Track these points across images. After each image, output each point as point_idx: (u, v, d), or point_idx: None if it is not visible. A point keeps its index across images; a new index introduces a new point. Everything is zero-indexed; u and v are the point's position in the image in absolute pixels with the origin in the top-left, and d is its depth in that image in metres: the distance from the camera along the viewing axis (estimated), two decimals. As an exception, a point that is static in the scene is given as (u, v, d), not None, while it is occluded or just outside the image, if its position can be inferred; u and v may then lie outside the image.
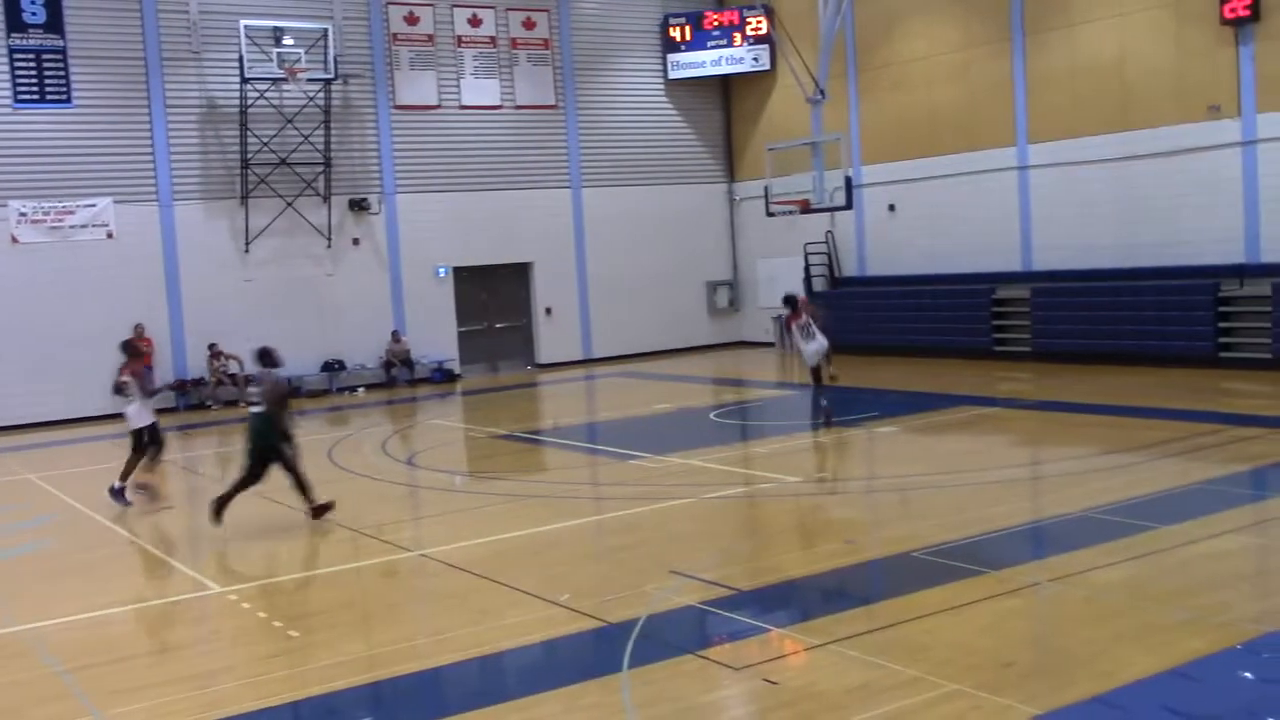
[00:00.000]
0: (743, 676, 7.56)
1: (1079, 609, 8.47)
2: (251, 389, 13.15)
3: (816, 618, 8.84)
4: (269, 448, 12.69)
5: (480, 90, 28.27)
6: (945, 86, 26.05)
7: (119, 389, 14.73)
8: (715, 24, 30.25)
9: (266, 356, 13.10)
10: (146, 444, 14.60)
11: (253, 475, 12.78)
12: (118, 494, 14.51)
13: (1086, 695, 6.81)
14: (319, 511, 12.77)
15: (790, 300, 18.02)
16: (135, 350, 15.34)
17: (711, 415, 20.01)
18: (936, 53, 26.18)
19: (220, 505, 12.71)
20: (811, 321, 17.42)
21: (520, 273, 29.23)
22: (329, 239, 26.35)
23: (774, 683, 7.37)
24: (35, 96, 23.47)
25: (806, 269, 28.79)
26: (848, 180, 23.06)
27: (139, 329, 23.91)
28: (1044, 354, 23.39)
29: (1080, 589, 8.86)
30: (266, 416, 12.70)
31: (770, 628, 8.56)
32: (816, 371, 17.66)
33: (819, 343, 17.34)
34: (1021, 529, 11.03)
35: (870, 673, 7.39)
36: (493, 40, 28.45)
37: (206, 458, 19.37)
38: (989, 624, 8.23)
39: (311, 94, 25.53)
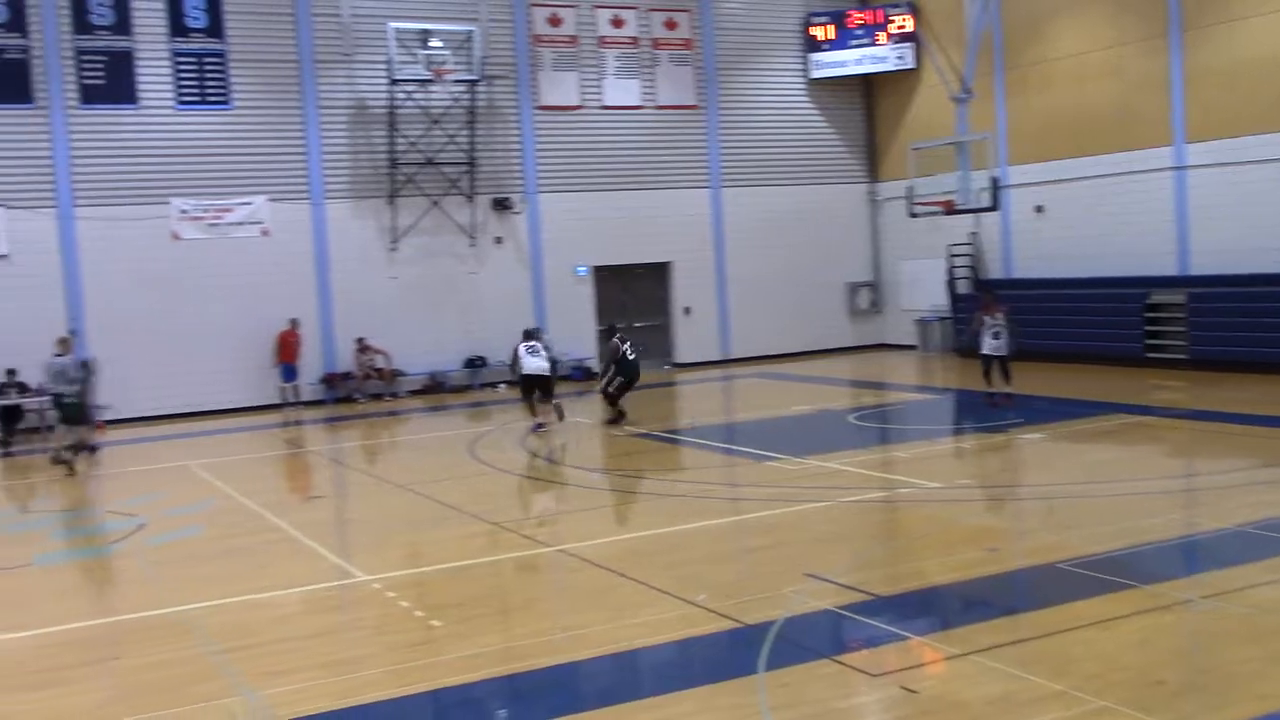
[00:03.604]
0: (880, 683, 7.46)
1: (1235, 627, 8.13)
2: None
3: (957, 626, 8.67)
4: None
5: (622, 90, 28.46)
6: (1097, 84, 25.28)
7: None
8: (859, 23, 29.90)
9: None
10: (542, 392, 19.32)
11: None
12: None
13: (1242, 718, 6.53)
14: None
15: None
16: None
17: (851, 418, 19.79)
18: (1088, 49, 25.43)
19: None
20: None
21: (659, 272, 29.34)
22: (472, 237, 26.83)
23: (913, 691, 7.25)
24: (196, 98, 24.43)
25: (950, 271, 28.27)
26: (994, 181, 22.59)
27: (294, 323, 24.69)
28: (1201, 361, 22.52)
29: (1236, 606, 8.51)
30: None
31: (909, 635, 8.42)
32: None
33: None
34: (1174, 543, 10.64)
35: (1012, 685, 7.21)
36: (635, 41, 28.61)
37: (353, 450, 19.90)
38: (1138, 640, 7.96)
39: (457, 95, 26.03)
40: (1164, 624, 8.35)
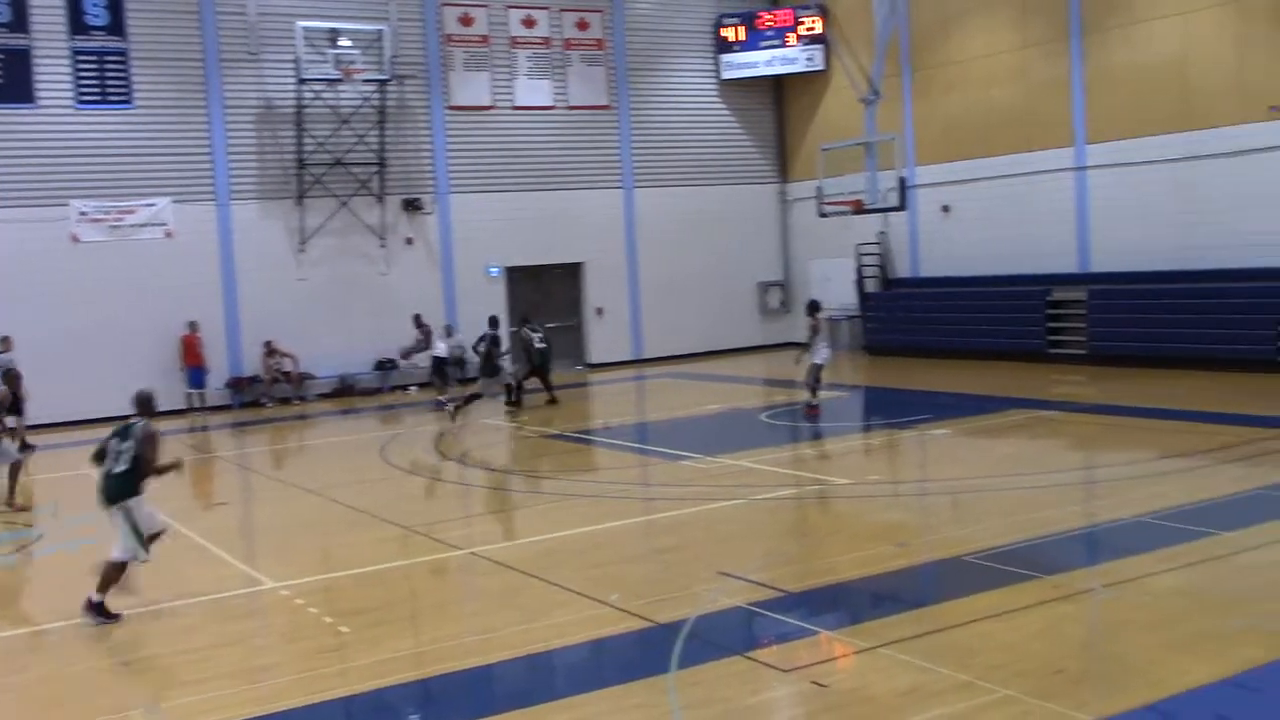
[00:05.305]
0: (791, 679, 7.53)
1: (1133, 615, 8.35)
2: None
3: (866, 621, 8.78)
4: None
5: (533, 91, 28.38)
6: (1002, 86, 25.79)
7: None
8: (769, 24, 30.15)
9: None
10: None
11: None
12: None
13: (1139, 703, 6.72)
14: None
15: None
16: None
17: (762, 416, 19.96)
18: (993, 52, 25.93)
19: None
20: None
21: (572, 273, 29.31)
22: (383, 239, 26.56)
23: (823, 685, 7.34)
24: (97, 97, 23.85)
25: (859, 270, 28.64)
26: (901, 181, 22.95)
27: (193, 326, 24.23)
28: (1100, 357, 23.09)
29: (1135, 595, 8.74)
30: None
31: (819, 630, 8.52)
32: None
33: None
34: (1076, 534, 10.90)
35: (921, 677, 7.33)
36: (546, 41, 28.55)
37: (261, 455, 19.60)
38: (1041, 629, 8.14)
39: (367, 95, 25.76)
40: (1066, 613, 8.55)
